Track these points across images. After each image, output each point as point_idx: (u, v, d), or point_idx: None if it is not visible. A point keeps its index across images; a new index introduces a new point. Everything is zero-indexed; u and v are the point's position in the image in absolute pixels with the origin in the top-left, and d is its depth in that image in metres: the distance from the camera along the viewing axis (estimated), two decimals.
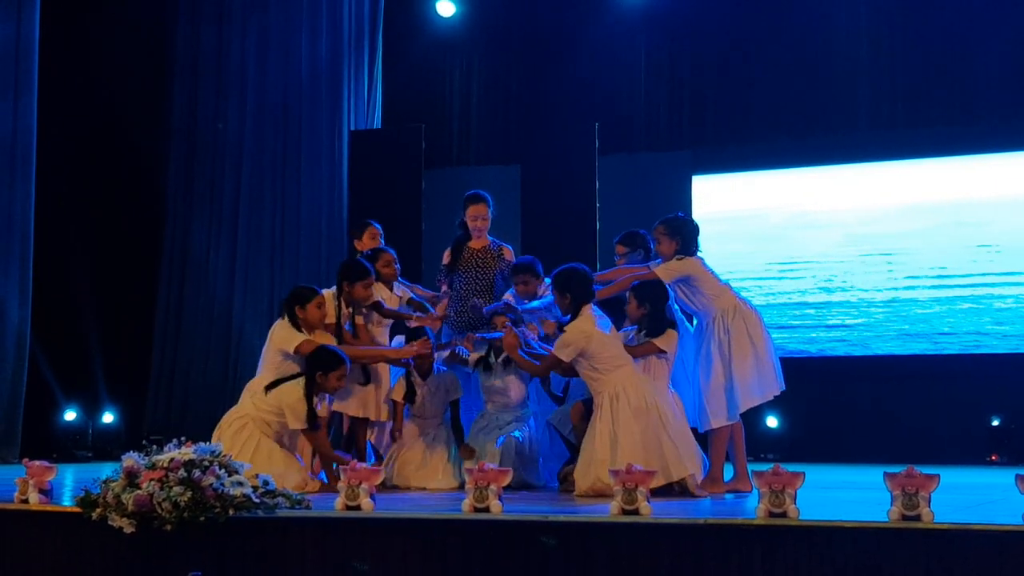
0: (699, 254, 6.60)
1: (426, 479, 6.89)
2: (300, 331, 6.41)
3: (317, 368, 6.27)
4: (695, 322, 6.67)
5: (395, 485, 6.90)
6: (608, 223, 10.63)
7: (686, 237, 6.56)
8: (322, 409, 6.79)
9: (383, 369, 7.05)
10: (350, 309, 6.96)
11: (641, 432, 5.90)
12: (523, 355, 6.44)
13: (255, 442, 6.20)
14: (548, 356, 6.30)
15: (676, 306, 6.64)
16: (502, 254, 7.70)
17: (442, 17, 13.53)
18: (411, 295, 7.49)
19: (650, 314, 6.34)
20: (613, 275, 6.77)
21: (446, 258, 7.77)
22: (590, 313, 6.15)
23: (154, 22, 12.74)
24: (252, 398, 6.39)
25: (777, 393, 6.53)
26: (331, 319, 6.79)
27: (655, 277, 6.46)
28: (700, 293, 6.49)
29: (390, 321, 7.28)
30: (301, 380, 6.30)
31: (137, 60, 12.52)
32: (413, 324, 7.12)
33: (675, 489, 5.96)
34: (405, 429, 7.03)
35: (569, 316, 6.26)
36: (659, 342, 6.27)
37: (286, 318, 6.54)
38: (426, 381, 7.00)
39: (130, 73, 12.35)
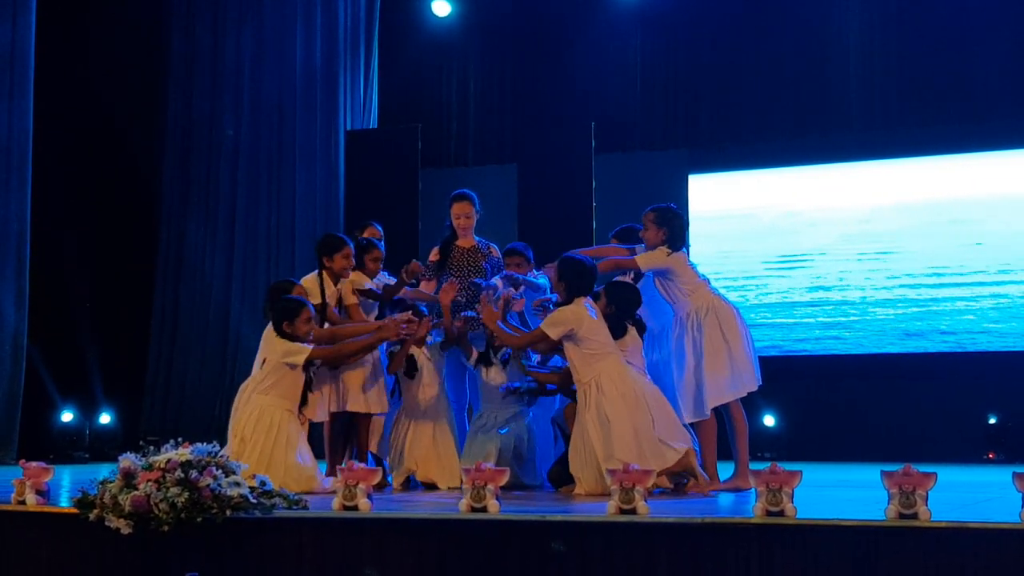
0: (684, 249, 6.61)
1: (438, 475, 6.89)
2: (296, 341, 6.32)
3: (283, 320, 6.28)
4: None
5: (405, 467, 6.92)
6: (604, 222, 10.64)
7: (674, 230, 6.56)
8: (320, 413, 6.79)
9: (377, 360, 7.01)
10: (338, 287, 6.91)
11: (630, 418, 5.90)
12: (502, 327, 6.47)
13: (276, 429, 6.17)
14: (533, 330, 6.31)
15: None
16: (490, 252, 7.73)
17: (438, 17, 13.53)
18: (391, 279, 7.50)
19: (615, 316, 6.33)
20: (599, 252, 6.79)
21: (434, 255, 7.78)
22: (583, 302, 6.16)
23: (149, 24, 12.74)
24: (254, 387, 6.38)
25: (753, 389, 6.51)
26: (316, 300, 6.76)
27: (635, 265, 6.48)
28: (677, 287, 6.51)
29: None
30: (279, 340, 6.29)
31: (133, 61, 12.52)
32: (409, 294, 7.12)
33: (682, 481, 5.97)
34: (408, 406, 7.03)
35: (561, 302, 6.28)
36: (618, 344, 6.29)
37: (267, 335, 6.41)
38: (422, 349, 7.03)
39: (126, 74, 12.34)
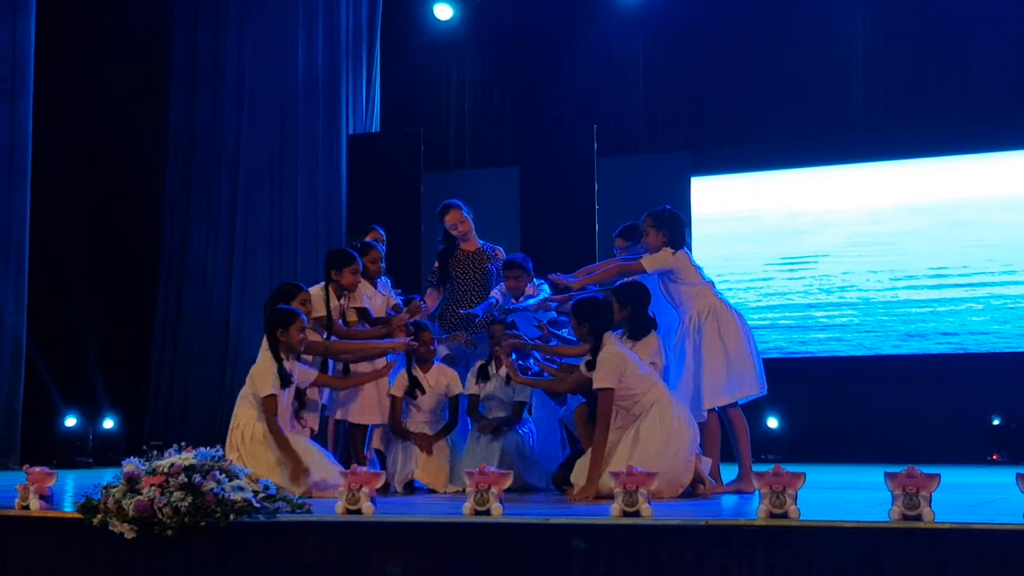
0: (686, 248, 6.61)
1: (440, 479, 6.88)
2: (279, 359, 6.23)
3: (275, 328, 6.25)
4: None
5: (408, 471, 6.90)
6: (607, 225, 10.62)
7: (674, 230, 6.57)
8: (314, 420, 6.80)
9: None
10: (341, 301, 6.90)
11: (666, 451, 5.86)
12: (532, 378, 6.45)
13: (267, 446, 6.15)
14: (578, 376, 6.11)
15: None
16: (496, 255, 7.75)
17: (439, 20, 13.55)
18: (396, 299, 7.47)
19: (633, 316, 6.31)
20: (600, 267, 6.80)
21: (437, 265, 7.82)
22: (614, 338, 6.12)
23: (151, 27, 12.73)
24: (244, 399, 6.36)
25: (755, 395, 6.49)
26: (320, 312, 6.75)
27: (641, 268, 6.47)
28: (680, 289, 6.51)
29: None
30: (257, 367, 6.28)
31: (134, 64, 12.51)
32: (406, 319, 7.12)
33: (688, 488, 5.95)
34: (410, 411, 7.04)
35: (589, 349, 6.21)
36: (640, 352, 6.24)
37: (266, 344, 6.37)
38: (427, 374, 7.01)
39: (127, 77, 12.33)
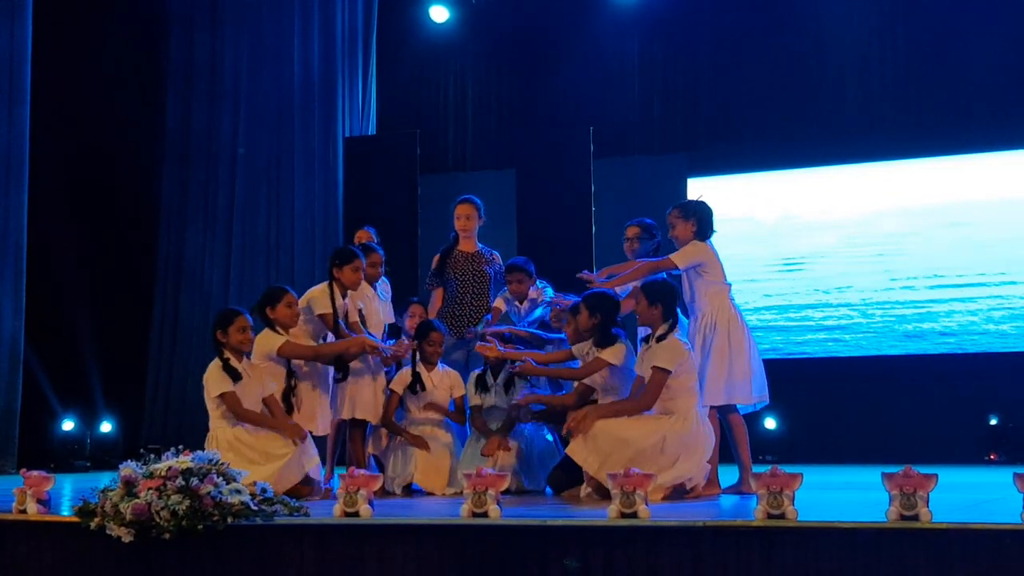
0: (710, 242, 6.57)
1: (439, 482, 6.86)
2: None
3: (216, 328, 6.28)
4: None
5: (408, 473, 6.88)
6: (604, 227, 10.66)
7: (701, 218, 6.53)
8: (322, 426, 6.78)
9: (378, 370, 7.00)
10: (346, 300, 6.83)
11: (691, 456, 5.88)
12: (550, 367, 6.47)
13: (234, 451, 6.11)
14: (656, 376, 5.96)
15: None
16: (493, 259, 7.78)
17: (435, 22, 13.54)
18: (391, 314, 7.48)
19: (601, 324, 6.29)
20: (628, 267, 6.75)
21: (435, 263, 7.82)
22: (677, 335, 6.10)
23: (147, 30, 12.74)
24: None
25: (746, 403, 6.47)
26: (326, 309, 6.72)
27: (672, 265, 6.43)
28: (703, 282, 6.46)
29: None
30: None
31: (130, 68, 12.53)
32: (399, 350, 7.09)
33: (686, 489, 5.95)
34: (410, 414, 7.01)
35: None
36: (608, 355, 6.22)
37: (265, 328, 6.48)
38: (430, 374, 6.99)
39: (124, 80, 12.35)
